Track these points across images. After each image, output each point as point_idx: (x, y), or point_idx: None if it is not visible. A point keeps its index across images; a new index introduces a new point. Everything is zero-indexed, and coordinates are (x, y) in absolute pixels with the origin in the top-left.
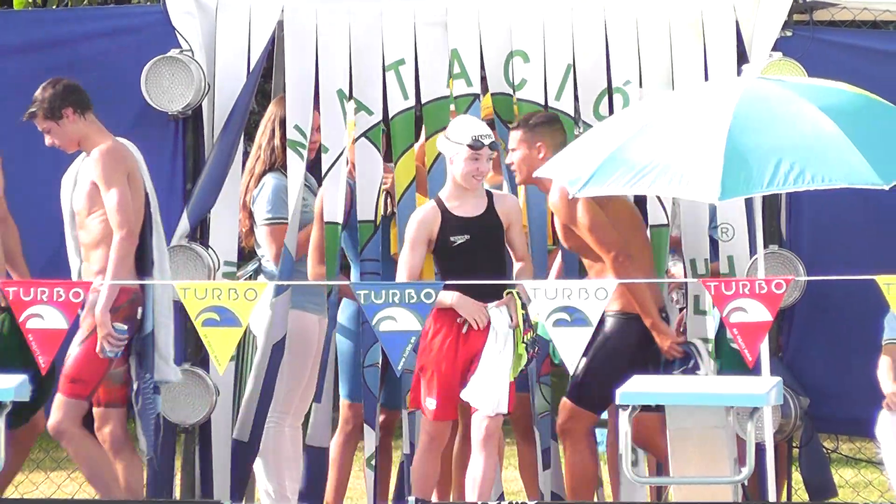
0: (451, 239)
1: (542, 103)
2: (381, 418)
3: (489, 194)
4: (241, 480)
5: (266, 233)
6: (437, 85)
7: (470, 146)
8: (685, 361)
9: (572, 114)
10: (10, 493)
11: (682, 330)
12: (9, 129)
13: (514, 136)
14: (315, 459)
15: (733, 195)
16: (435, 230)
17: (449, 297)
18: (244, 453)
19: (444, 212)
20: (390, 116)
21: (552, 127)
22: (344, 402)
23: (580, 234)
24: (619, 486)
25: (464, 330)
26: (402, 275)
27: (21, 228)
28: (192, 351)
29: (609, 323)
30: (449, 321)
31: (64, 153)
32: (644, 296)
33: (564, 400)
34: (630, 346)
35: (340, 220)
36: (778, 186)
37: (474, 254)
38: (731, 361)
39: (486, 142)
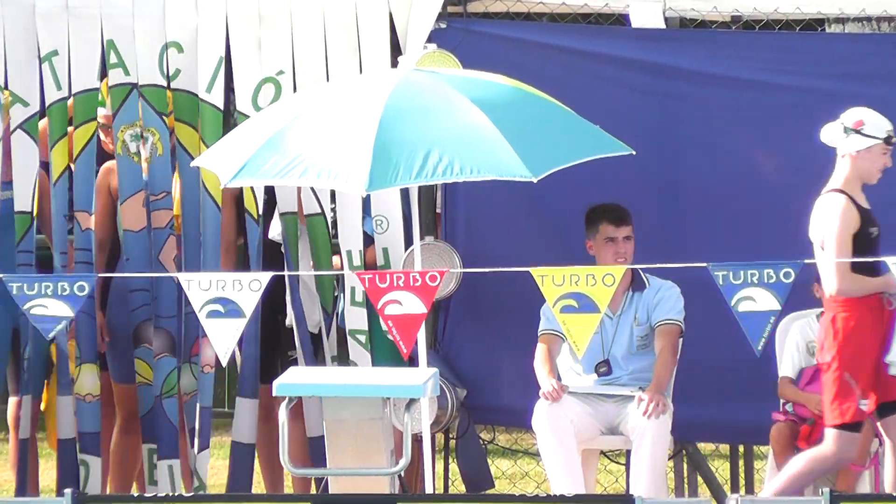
0: (870, 231)
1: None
2: None
3: None
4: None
5: None
6: (88, 76)
7: (885, 140)
8: None
9: (222, 106)
10: None
11: None
12: None
13: None
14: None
15: (381, 187)
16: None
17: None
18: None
19: (857, 205)
20: (47, 105)
21: None
22: None
23: None
24: None
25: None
26: (844, 272)
27: None
28: None
29: None
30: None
31: None
32: None
33: None
34: None
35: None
36: (426, 178)
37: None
38: (385, 353)
39: None
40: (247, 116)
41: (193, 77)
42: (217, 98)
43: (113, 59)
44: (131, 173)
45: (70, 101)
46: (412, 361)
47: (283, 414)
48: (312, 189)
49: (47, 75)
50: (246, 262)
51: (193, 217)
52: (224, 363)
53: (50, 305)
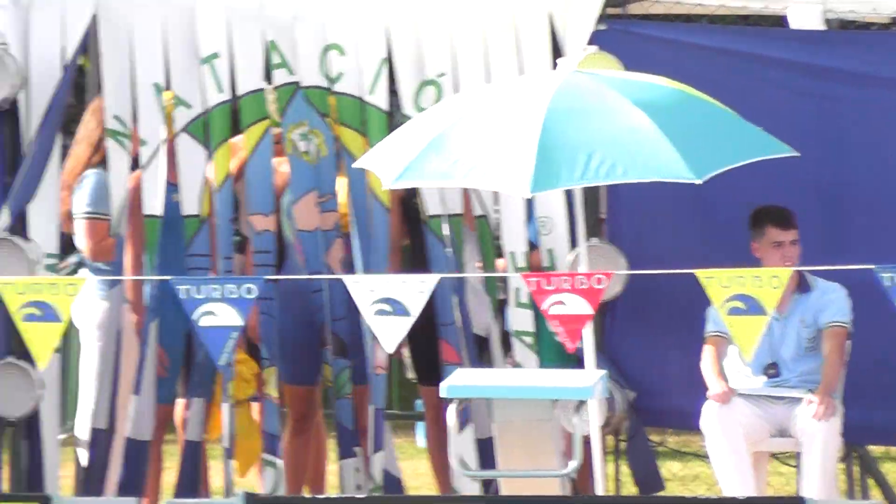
0: None
1: (358, 95)
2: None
3: None
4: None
5: (83, 227)
6: (253, 77)
7: None
8: None
9: (386, 108)
10: None
11: None
12: None
13: None
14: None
15: (544, 189)
16: None
17: None
18: (104, 440)
19: None
20: (209, 108)
21: None
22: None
23: None
24: None
25: None
26: None
27: None
28: (16, 344)
29: None
30: None
31: None
32: None
33: None
34: None
35: (160, 212)
36: (589, 180)
37: None
38: (552, 354)
39: None
40: (409, 118)
41: (356, 79)
42: (380, 100)
43: (276, 59)
44: (303, 172)
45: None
46: (579, 363)
47: (451, 416)
48: (476, 191)
49: (208, 78)
50: (412, 264)
51: (362, 219)
52: (41, 368)
53: (219, 312)
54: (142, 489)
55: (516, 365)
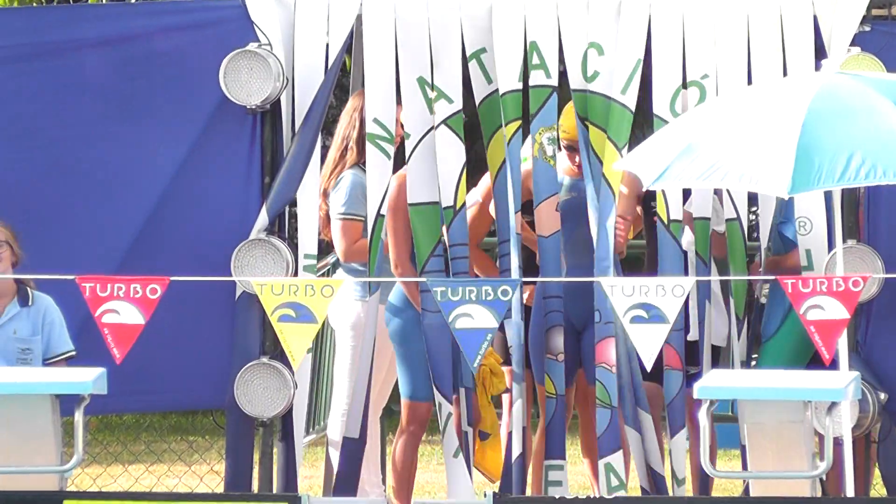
0: None
1: (610, 95)
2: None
3: None
4: (353, 477)
5: (338, 227)
6: (511, 77)
7: None
8: None
9: (633, 108)
10: (88, 486)
11: None
12: (86, 122)
13: None
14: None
15: (803, 189)
16: None
17: None
18: (356, 450)
19: None
20: (477, 102)
21: None
22: (404, 401)
23: None
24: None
25: None
26: None
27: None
28: (269, 344)
29: None
30: None
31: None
32: None
33: None
34: None
35: (426, 199)
36: (849, 181)
37: None
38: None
39: None
40: (663, 120)
41: (608, 79)
42: (630, 100)
43: (535, 60)
44: (547, 177)
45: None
46: (833, 364)
47: (704, 417)
48: (728, 193)
49: (476, 72)
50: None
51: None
52: (295, 368)
53: (474, 313)
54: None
55: None
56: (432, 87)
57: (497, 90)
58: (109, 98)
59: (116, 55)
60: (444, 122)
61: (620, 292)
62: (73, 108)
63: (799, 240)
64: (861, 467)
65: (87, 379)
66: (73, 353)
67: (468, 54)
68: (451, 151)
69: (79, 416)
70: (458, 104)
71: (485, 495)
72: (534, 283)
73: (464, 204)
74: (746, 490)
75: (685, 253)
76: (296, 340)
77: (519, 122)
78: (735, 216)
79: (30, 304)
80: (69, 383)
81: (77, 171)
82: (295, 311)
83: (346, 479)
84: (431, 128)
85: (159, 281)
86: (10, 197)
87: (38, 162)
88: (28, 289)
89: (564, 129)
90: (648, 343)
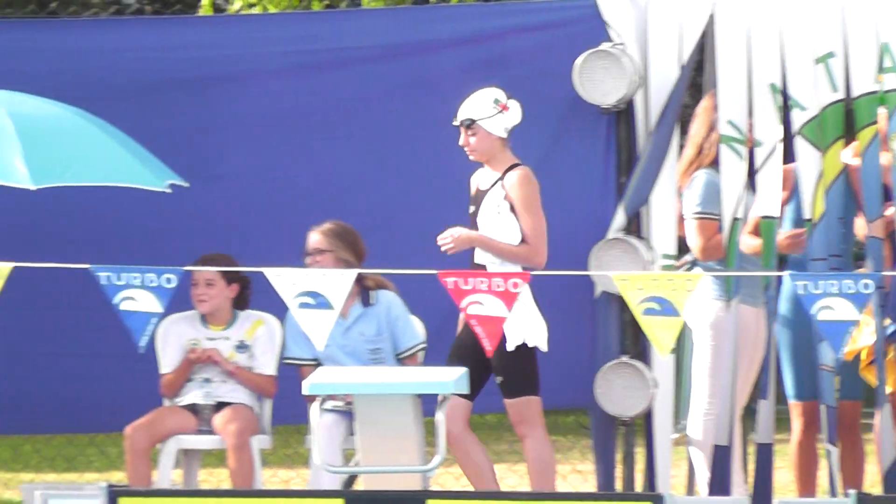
0: None
1: None
2: None
3: None
4: (725, 482)
5: (693, 226)
6: (866, 80)
7: None
8: None
9: None
10: (451, 485)
11: None
12: (437, 122)
13: None
14: (761, 456)
15: None
16: None
17: None
18: (725, 457)
19: None
20: (821, 109)
21: None
22: (791, 402)
23: None
24: None
25: None
26: None
27: None
28: (629, 343)
29: None
30: None
31: None
32: None
33: None
34: None
35: (776, 214)
36: None
37: None
38: None
39: None
40: None
41: None
42: None
43: (887, 62)
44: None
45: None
46: None
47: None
48: None
49: (822, 77)
50: None
51: None
52: (663, 356)
53: (836, 306)
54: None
55: None
56: (784, 94)
57: (840, 99)
58: (460, 99)
59: (468, 56)
60: (799, 131)
61: None
62: (424, 109)
63: None
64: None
65: (449, 379)
66: (424, 345)
67: (817, 57)
68: (809, 162)
69: (441, 416)
70: (813, 111)
71: (845, 495)
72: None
73: (822, 214)
74: None
75: None
76: (662, 333)
77: (875, 128)
78: None
79: (371, 303)
80: (431, 383)
81: (430, 169)
82: (659, 304)
83: (718, 485)
84: (784, 137)
85: (521, 276)
86: (362, 194)
87: (388, 161)
88: (368, 289)
89: None
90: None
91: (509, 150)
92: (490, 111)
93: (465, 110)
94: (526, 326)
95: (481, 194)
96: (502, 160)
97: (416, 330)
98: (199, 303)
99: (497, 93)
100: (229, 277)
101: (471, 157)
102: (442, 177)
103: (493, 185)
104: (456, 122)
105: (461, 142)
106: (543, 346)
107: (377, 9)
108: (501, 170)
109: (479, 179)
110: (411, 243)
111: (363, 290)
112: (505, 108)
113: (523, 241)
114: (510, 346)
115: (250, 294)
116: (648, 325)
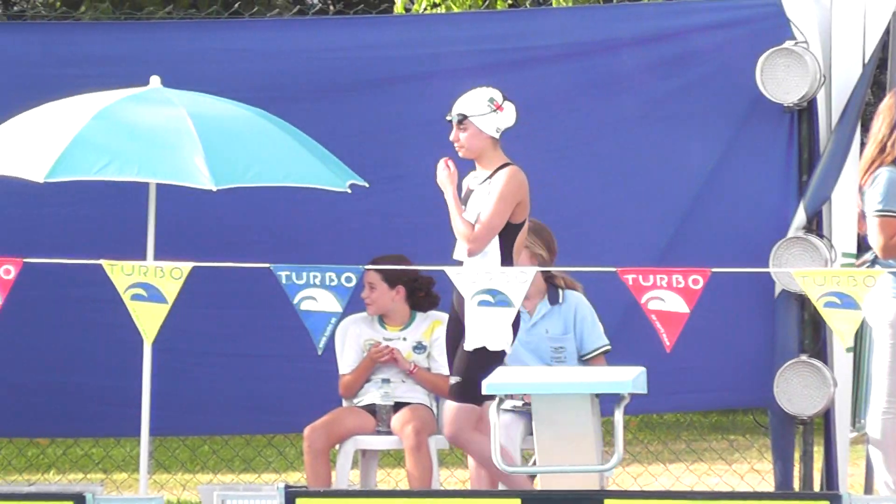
0: None
1: None
2: None
3: None
4: None
5: (875, 224)
6: None
7: None
8: None
9: None
10: (629, 484)
11: None
12: (622, 120)
13: None
14: None
15: None
16: None
17: None
18: None
19: None
20: None
21: None
22: None
23: None
24: None
25: None
26: None
27: None
28: (808, 342)
29: None
30: None
31: None
32: None
33: None
34: None
35: None
36: None
37: None
38: None
39: None
40: None
41: None
42: None
43: None
44: None
45: None
46: None
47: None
48: None
49: None
50: None
51: None
52: None
53: None
54: None
55: None
56: None
57: None
58: (645, 97)
59: (652, 54)
60: None
61: None
62: (610, 108)
63: None
64: None
65: (628, 378)
66: (608, 347)
67: None
68: None
69: (619, 416)
70: None
71: None
72: None
73: None
74: None
75: None
76: (842, 326)
77: None
78: None
79: (560, 301)
80: (610, 383)
81: (613, 168)
82: (839, 298)
83: None
84: None
85: (700, 273)
86: (542, 193)
87: (574, 160)
88: (558, 287)
89: None
90: None
91: (501, 150)
92: (484, 109)
93: (459, 106)
94: (490, 329)
95: (470, 194)
96: (493, 159)
97: (601, 332)
98: (366, 305)
99: (493, 92)
100: (393, 280)
101: (459, 154)
102: (625, 175)
103: (481, 184)
104: (448, 117)
105: (451, 137)
106: (508, 350)
107: (564, 8)
108: (491, 169)
109: (471, 179)
110: (594, 241)
111: (552, 288)
112: (500, 108)
113: (476, 222)
114: (469, 347)
115: (430, 295)
116: (829, 316)
